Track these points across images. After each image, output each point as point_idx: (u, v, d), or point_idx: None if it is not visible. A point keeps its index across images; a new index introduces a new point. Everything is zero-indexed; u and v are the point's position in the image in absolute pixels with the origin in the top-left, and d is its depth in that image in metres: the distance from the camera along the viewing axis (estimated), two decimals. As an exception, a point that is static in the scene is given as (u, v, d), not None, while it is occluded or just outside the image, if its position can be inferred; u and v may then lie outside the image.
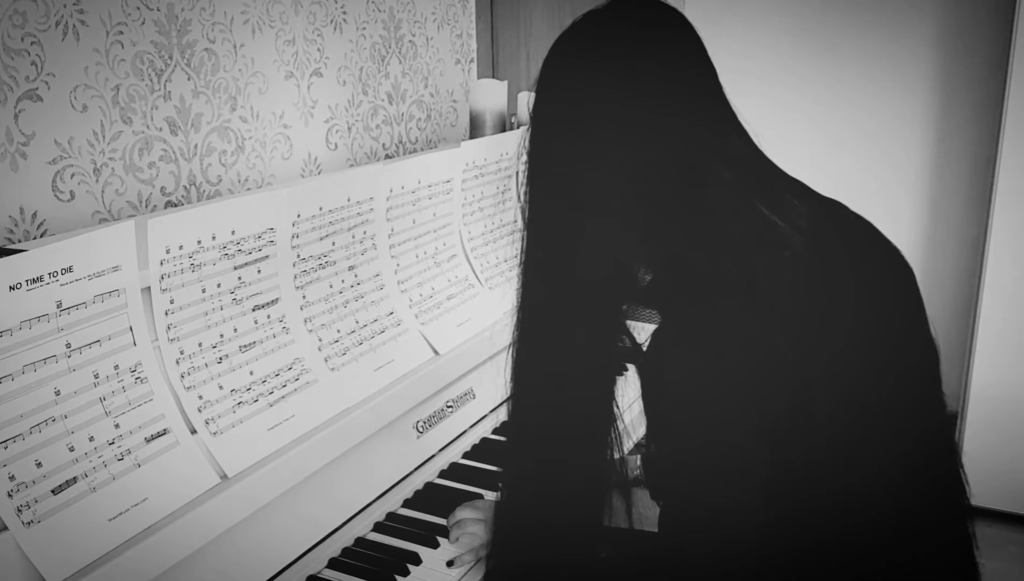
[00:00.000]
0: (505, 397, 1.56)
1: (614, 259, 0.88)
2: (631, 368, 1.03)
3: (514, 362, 0.94)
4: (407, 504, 1.27)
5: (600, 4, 0.88)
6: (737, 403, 0.80)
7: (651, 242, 0.88)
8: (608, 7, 0.87)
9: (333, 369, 1.18)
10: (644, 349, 0.91)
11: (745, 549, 0.81)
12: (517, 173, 1.68)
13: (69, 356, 0.88)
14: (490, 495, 1.29)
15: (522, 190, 0.91)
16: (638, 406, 0.95)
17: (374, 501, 1.24)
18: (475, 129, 1.95)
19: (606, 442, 0.91)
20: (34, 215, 1.30)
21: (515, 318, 0.94)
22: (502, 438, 1.46)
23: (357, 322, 1.25)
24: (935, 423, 0.89)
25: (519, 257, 0.92)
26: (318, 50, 1.82)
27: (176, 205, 1.53)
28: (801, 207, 0.86)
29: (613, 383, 0.91)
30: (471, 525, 1.15)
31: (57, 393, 0.87)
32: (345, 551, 1.16)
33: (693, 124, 0.84)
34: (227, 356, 1.06)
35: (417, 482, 1.32)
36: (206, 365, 1.03)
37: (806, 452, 0.80)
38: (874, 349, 0.83)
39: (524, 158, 0.91)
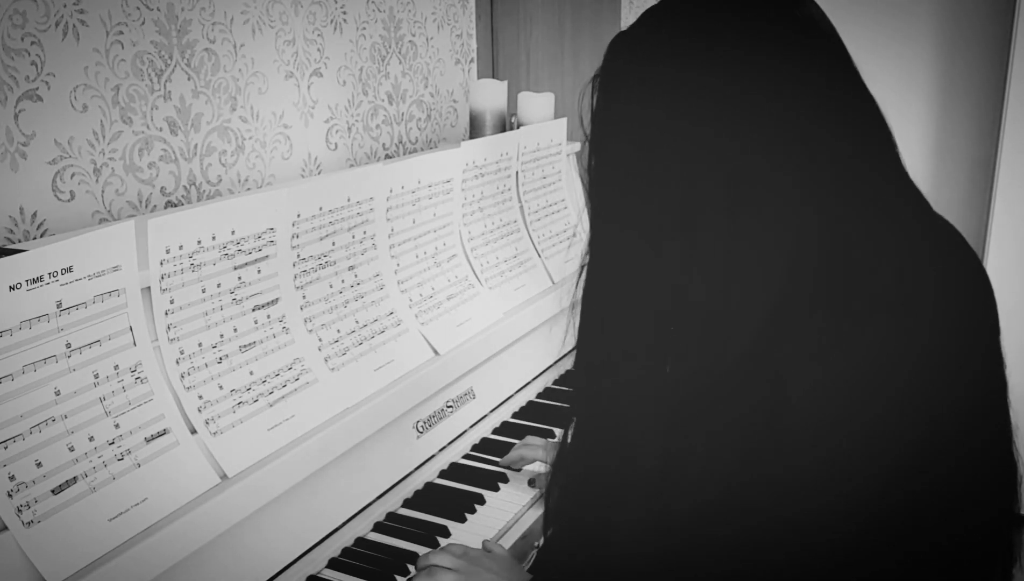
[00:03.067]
0: (505, 397, 1.57)
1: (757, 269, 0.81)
2: None
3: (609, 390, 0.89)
4: (407, 504, 1.27)
5: None
6: (871, 423, 0.76)
7: (794, 254, 0.81)
8: None
9: (333, 369, 1.18)
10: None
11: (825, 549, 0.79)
12: (517, 173, 1.68)
13: (69, 356, 0.88)
14: (490, 495, 1.29)
15: (586, 197, 0.86)
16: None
17: (374, 501, 1.24)
18: (475, 129, 1.95)
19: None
20: (34, 215, 1.30)
21: (587, 344, 0.89)
22: (503, 438, 1.46)
23: (357, 322, 1.25)
24: (1004, 429, 0.87)
25: (585, 274, 0.88)
26: (318, 50, 1.82)
27: (176, 205, 1.53)
28: (923, 209, 0.84)
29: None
30: (441, 574, 1.03)
31: (57, 393, 0.87)
32: (345, 551, 1.16)
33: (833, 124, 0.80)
34: (227, 356, 1.06)
35: (417, 482, 1.32)
36: (206, 365, 1.03)
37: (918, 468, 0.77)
38: (976, 362, 0.81)
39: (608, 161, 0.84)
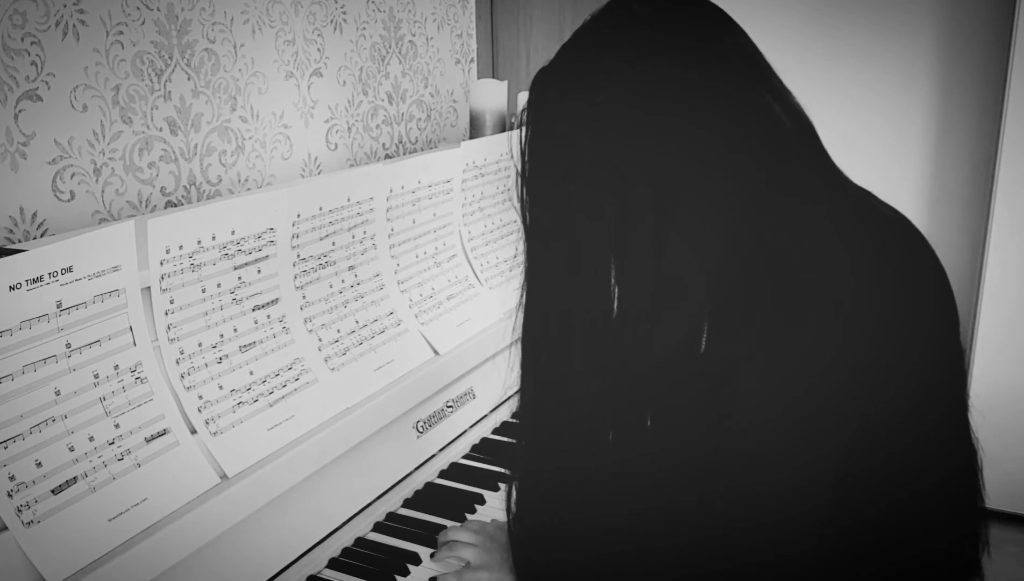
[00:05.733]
0: (505, 397, 1.56)
1: (679, 274, 0.82)
2: None
3: (540, 382, 0.89)
4: (407, 504, 1.27)
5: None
6: (818, 422, 0.76)
7: (727, 255, 0.82)
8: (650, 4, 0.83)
9: (333, 369, 1.18)
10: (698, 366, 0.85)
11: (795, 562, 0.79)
12: (517, 173, 1.68)
13: (69, 356, 0.88)
14: (490, 495, 1.29)
15: (525, 199, 0.87)
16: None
17: (374, 501, 1.24)
18: (475, 129, 1.95)
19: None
20: (34, 215, 1.30)
21: (526, 332, 0.89)
22: (503, 438, 1.46)
23: (357, 322, 1.25)
24: (962, 430, 0.87)
25: (527, 273, 0.87)
26: (318, 50, 1.82)
27: (176, 205, 1.53)
28: (862, 202, 0.85)
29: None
30: (461, 548, 1.10)
31: (57, 393, 0.87)
32: (345, 551, 1.16)
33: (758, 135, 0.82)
34: (227, 356, 1.06)
35: (417, 482, 1.32)
36: (206, 365, 1.03)
37: (869, 467, 0.78)
38: (920, 356, 0.81)
39: (528, 164, 0.86)
